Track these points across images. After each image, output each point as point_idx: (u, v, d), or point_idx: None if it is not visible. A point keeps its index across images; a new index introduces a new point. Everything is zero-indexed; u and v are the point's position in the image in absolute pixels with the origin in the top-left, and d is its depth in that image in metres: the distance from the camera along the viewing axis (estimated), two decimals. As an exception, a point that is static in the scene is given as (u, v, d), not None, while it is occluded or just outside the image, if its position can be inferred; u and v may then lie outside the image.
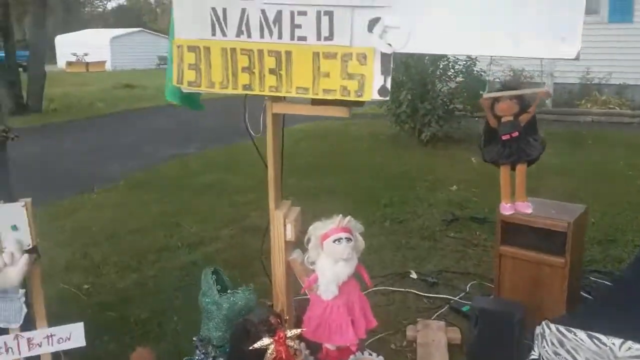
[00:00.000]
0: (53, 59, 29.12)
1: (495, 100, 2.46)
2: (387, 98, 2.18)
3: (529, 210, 2.56)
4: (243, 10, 2.24)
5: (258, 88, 2.30)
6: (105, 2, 58.98)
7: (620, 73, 10.64)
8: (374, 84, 2.18)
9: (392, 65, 2.16)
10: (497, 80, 8.58)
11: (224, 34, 2.28)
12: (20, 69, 13.65)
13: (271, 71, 2.27)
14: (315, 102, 2.35)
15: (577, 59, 1.94)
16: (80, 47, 29.95)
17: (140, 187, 6.34)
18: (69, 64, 29.18)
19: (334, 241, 2.29)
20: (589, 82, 10.69)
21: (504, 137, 2.49)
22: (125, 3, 57.70)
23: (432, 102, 7.97)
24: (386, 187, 6.07)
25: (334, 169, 6.89)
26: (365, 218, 5.06)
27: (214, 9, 2.26)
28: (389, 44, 2.12)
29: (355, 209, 5.23)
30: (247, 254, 4.09)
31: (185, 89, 2.37)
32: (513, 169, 2.59)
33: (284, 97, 2.42)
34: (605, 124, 10.02)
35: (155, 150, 8.57)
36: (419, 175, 6.55)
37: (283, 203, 2.66)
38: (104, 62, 29.77)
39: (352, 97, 2.21)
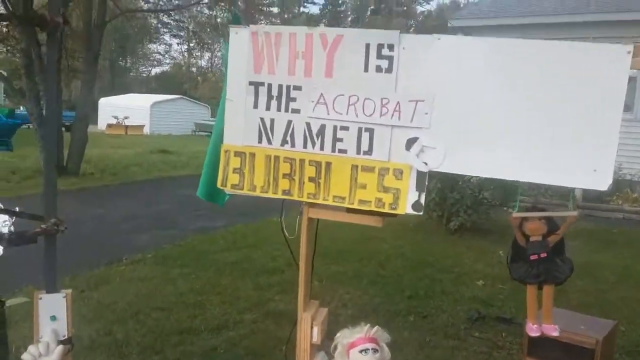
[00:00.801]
0: (94, 120, 30.33)
1: (524, 219, 2.50)
2: (421, 213, 2.25)
3: (556, 333, 2.54)
4: (289, 122, 2.37)
5: (297, 194, 2.40)
6: (150, 69, 61.87)
7: (652, 171, 10.62)
8: (409, 199, 2.25)
9: (427, 183, 2.24)
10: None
11: (269, 142, 2.40)
12: (63, 129, 14.23)
13: (310, 179, 2.37)
14: (350, 210, 2.43)
15: (607, 190, 1.99)
16: (122, 110, 31.20)
17: (168, 260, 6.43)
18: (109, 126, 30.30)
19: (361, 351, 2.29)
20: (620, 178, 10.65)
21: (532, 257, 2.50)
22: (168, 70, 60.40)
23: (460, 191, 8.03)
24: (411, 277, 6.04)
25: (360, 255, 6.90)
26: (389, 309, 5.05)
27: (262, 119, 2.40)
28: (425, 163, 2.21)
29: (379, 299, 5.24)
30: (269, 342, 4.08)
31: (228, 191, 2.48)
32: (540, 288, 2.58)
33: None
34: (636, 222, 9.89)
35: (185, 221, 8.73)
36: (445, 267, 6.51)
37: (311, 303, 2.69)
38: (142, 126, 30.84)
39: (387, 210, 2.28)
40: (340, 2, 24.71)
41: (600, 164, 2.01)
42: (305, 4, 27.66)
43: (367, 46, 2.24)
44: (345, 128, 2.31)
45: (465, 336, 4.55)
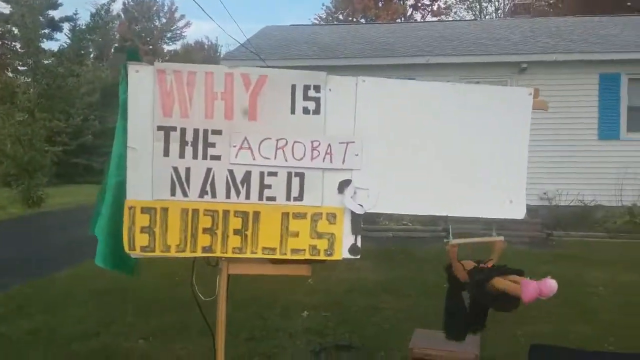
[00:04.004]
0: None
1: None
2: (359, 257, 2.21)
3: None
4: (209, 170, 2.12)
5: (220, 250, 2.15)
6: None
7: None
8: (344, 243, 2.20)
9: (362, 225, 2.22)
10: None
11: (185, 194, 2.11)
12: None
13: (236, 232, 2.15)
14: (275, 261, 2.26)
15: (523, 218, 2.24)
16: None
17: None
18: None
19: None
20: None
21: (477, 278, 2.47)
22: None
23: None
24: (240, 318, 5.84)
25: (176, 303, 6.43)
26: (232, 356, 4.79)
27: (175, 169, 2.10)
28: (361, 205, 2.19)
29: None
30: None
31: (137, 254, 2.09)
32: None
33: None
34: (403, 239, 11.20)
35: None
36: (268, 303, 6.46)
37: (227, 370, 2.42)
38: None
39: (322, 257, 2.20)
40: (83, 37, 23.19)
41: (515, 196, 2.25)
42: (44, 39, 25.11)
43: (293, 87, 2.15)
44: (274, 174, 2.16)
45: (315, 370, 4.56)
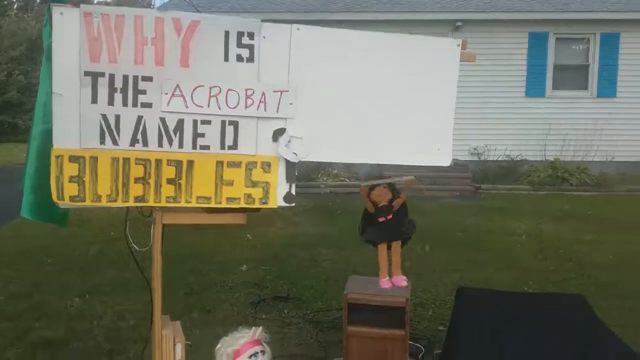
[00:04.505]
0: None
1: (371, 188, 2.81)
2: (293, 204, 2.25)
3: (405, 283, 2.91)
4: (139, 118, 2.07)
5: (153, 199, 2.13)
6: None
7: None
8: (279, 191, 2.23)
9: (296, 173, 2.25)
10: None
11: (115, 143, 2.06)
12: None
13: (169, 181, 2.13)
14: (209, 209, 2.27)
15: (450, 166, 2.34)
16: None
17: None
18: None
19: (250, 357, 2.20)
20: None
21: (380, 219, 2.81)
22: None
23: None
24: (179, 274, 5.84)
25: (111, 260, 6.34)
26: (172, 311, 4.79)
27: (104, 116, 2.04)
28: (295, 153, 2.21)
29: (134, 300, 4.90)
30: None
31: (65, 204, 2.04)
32: (389, 247, 2.93)
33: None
34: (341, 194, 11.41)
35: None
36: (206, 258, 6.48)
37: (164, 320, 2.43)
38: None
39: (257, 205, 2.22)
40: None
41: (442, 144, 2.33)
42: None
43: (227, 34, 2.12)
44: (207, 122, 2.15)
45: (254, 320, 4.64)
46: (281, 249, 6.91)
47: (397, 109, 2.27)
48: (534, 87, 12.38)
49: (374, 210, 2.86)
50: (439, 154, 2.34)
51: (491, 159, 12.13)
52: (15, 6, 33.84)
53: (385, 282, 2.91)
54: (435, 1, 13.28)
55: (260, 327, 2.32)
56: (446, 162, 2.34)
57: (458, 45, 2.29)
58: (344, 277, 5.61)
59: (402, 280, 2.95)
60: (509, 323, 3.01)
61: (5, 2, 22.10)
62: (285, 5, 13.32)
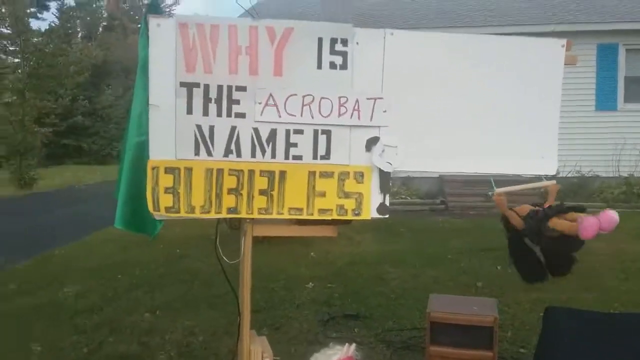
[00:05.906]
0: None
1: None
2: (387, 216, 2.16)
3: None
4: (233, 128, 2.04)
5: (245, 210, 2.08)
6: None
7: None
8: (373, 202, 2.14)
9: (390, 183, 2.16)
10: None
11: (209, 154, 2.03)
12: None
13: (262, 192, 2.08)
14: (300, 221, 2.21)
15: (556, 175, 2.19)
16: None
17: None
18: None
19: (343, 373, 2.10)
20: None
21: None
22: None
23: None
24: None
25: (180, 277, 6.41)
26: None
27: (199, 127, 2.01)
28: (389, 163, 2.12)
29: (225, 320, 4.89)
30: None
31: (161, 216, 2.02)
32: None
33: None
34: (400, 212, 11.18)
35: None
36: (271, 276, 6.43)
37: (252, 335, 2.37)
38: None
39: (350, 217, 2.14)
40: (71, 16, 22.58)
41: (547, 151, 2.19)
42: (32, 18, 24.46)
43: (320, 41, 2.07)
44: (300, 131, 2.09)
45: (324, 339, 4.54)
46: (346, 267, 6.80)
47: (498, 116, 2.15)
48: (605, 101, 11.86)
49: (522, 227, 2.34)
50: (543, 162, 2.19)
51: (561, 175, 11.65)
52: (80, 34, 35.50)
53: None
54: (501, 14, 13.04)
55: (354, 344, 2.22)
56: (552, 170, 2.19)
57: (562, 46, 2.16)
58: (413, 296, 5.47)
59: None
60: (602, 343, 2.80)
61: (70, 31, 23.25)
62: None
